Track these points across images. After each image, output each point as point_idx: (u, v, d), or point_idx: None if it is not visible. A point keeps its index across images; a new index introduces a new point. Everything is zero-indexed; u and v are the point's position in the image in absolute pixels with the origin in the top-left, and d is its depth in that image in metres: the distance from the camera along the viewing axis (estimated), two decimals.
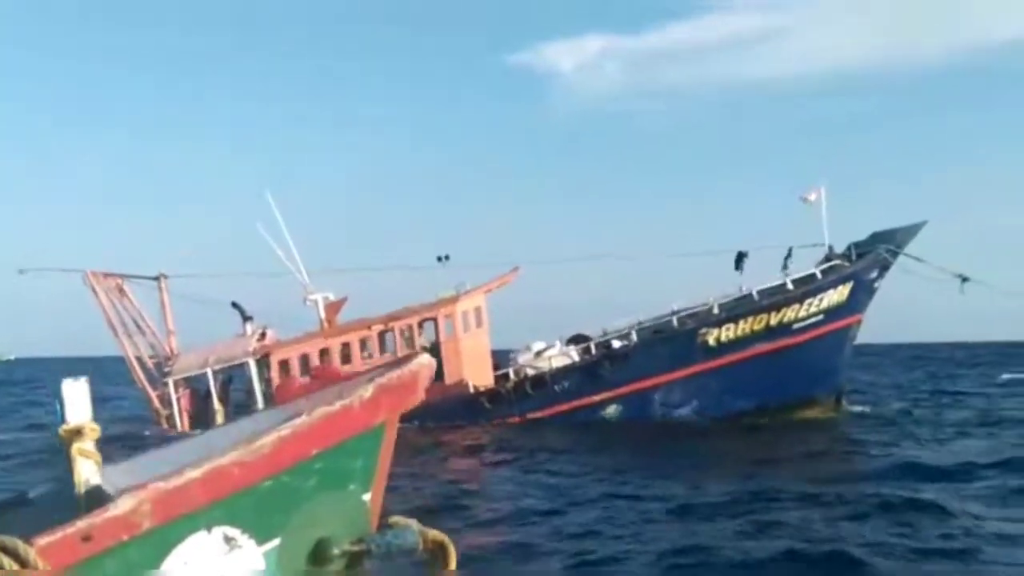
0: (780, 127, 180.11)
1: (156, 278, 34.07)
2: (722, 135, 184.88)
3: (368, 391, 7.60)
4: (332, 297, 33.83)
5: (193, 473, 6.36)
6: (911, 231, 32.36)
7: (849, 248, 32.38)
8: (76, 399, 6.70)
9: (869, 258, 31.86)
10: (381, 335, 32.64)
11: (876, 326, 39.56)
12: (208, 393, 33.21)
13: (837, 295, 31.43)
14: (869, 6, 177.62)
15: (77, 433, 6.61)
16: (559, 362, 31.53)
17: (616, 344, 31.70)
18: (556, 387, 30.94)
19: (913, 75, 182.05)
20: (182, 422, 32.67)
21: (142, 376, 33.50)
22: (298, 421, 6.98)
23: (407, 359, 8.44)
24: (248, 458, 6.69)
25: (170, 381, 32.78)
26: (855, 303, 31.92)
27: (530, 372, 31.52)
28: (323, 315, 33.57)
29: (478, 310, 32.95)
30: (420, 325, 32.47)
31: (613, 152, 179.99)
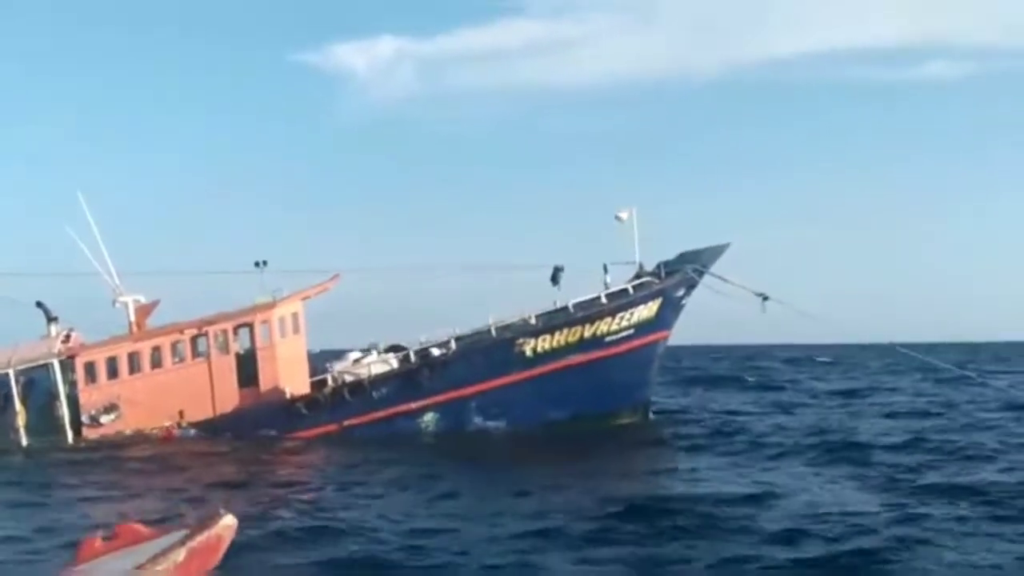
0: (575, 137, 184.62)
1: None
2: (519, 144, 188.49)
3: (180, 555, 8.13)
4: (143, 300, 33.00)
5: None
6: (716, 251, 33.85)
7: (658, 266, 33.57)
8: None
9: (677, 277, 33.15)
10: (194, 339, 32.04)
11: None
12: (8, 395, 31.81)
13: (647, 310, 32.58)
14: (659, 19, 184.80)
15: None
16: (378, 368, 31.58)
17: (435, 352, 32.00)
18: (375, 394, 30.98)
19: (700, 87, 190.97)
20: None
21: None
22: None
23: (212, 520, 8.82)
24: None
25: None
26: (663, 319, 33.15)
27: (348, 379, 31.45)
28: (133, 318, 32.69)
29: (295, 316, 32.69)
30: (235, 330, 32.02)
31: (412, 158, 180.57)
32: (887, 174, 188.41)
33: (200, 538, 8.74)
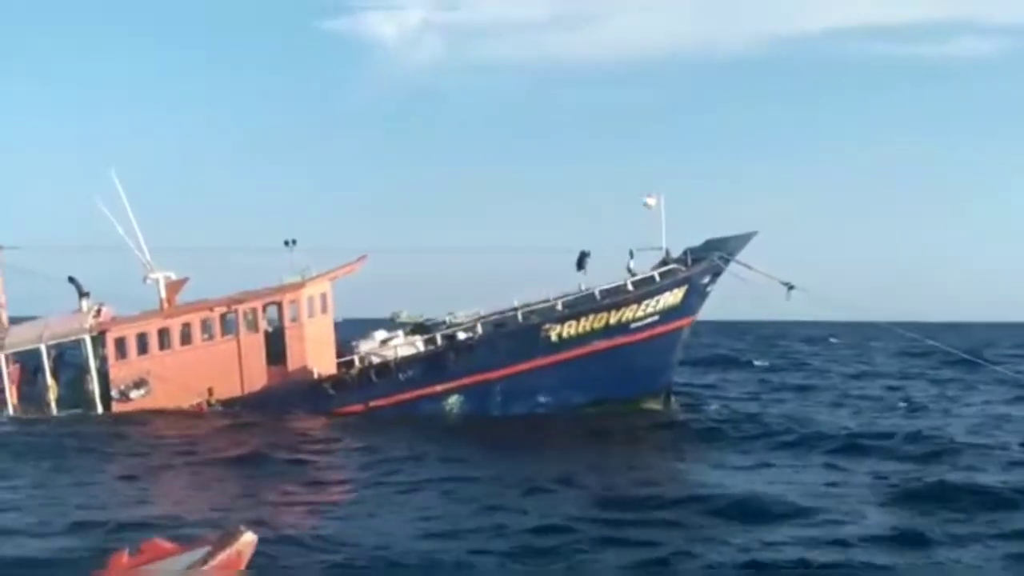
0: (597, 112, 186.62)
1: None
2: (545, 117, 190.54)
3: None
4: (174, 276, 33.30)
5: None
6: (742, 240, 33.93)
7: (685, 253, 33.69)
8: None
9: (703, 264, 33.27)
10: (223, 317, 32.36)
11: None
12: (37, 369, 32.32)
13: (672, 297, 32.76)
14: None
15: None
16: (404, 351, 31.85)
17: (461, 336, 32.24)
18: (401, 375, 31.26)
19: (720, 63, 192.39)
20: (11, 397, 31.72)
21: None
22: None
23: (233, 537, 9.22)
24: None
25: (1, 355, 31.68)
26: (688, 306, 33.33)
27: (375, 360, 31.72)
28: (163, 294, 33.01)
29: (324, 296, 32.94)
30: (264, 309, 32.34)
31: (439, 130, 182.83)
32: (915, 151, 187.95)
33: (222, 556, 9.29)
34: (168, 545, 9.85)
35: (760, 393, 40.86)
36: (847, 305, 34.97)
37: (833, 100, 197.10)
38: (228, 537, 9.60)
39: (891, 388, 42.64)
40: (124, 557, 9.84)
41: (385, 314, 35.10)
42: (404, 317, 34.18)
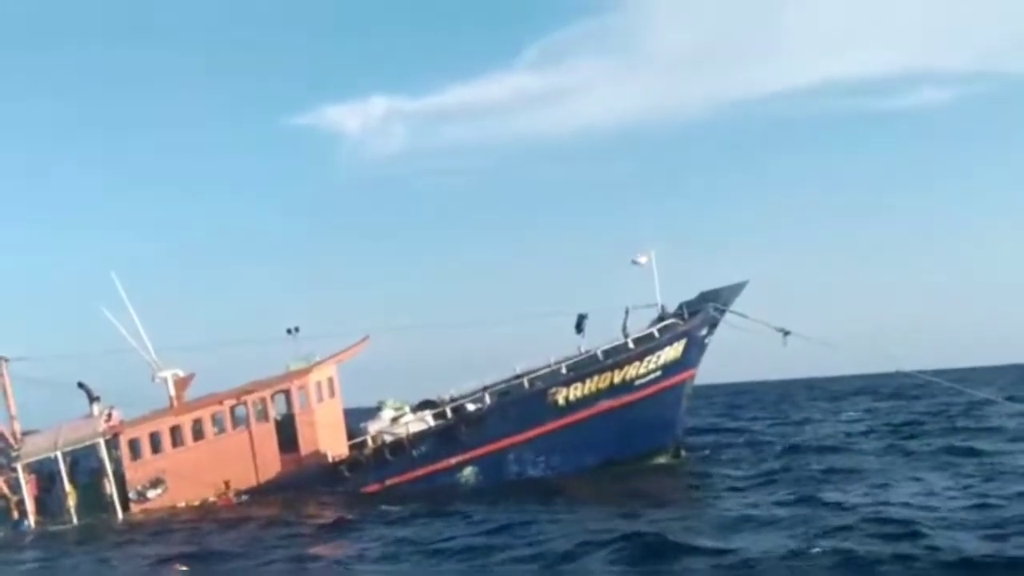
0: (573, 186, 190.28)
1: None
2: (520, 193, 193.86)
3: None
4: (181, 373, 33.70)
5: None
6: (735, 290, 34.66)
7: (680, 307, 34.43)
8: None
9: (699, 316, 33.93)
10: (233, 409, 32.74)
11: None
12: (52, 477, 32.51)
13: (673, 352, 33.37)
14: (646, 63, 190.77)
15: None
16: (416, 427, 32.27)
17: (470, 407, 32.70)
18: (414, 452, 31.61)
19: (685, 130, 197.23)
20: (30, 507, 31.91)
21: None
22: None
23: None
24: None
25: (19, 466, 31.90)
26: (689, 359, 33.95)
27: (387, 438, 32.10)
28: (172, 392, 33.39)
29: (331, 380, 33.42)
30: (273, 398, 32.71)
31: (413, 214, 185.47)
32: (888, 202, 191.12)
33: None
34: None
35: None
36: (847, 348, 35.38)
37: (803, 156, 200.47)
38: None
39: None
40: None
41: (371, 403, 35.39)
42: (390, 405, 34.47)
